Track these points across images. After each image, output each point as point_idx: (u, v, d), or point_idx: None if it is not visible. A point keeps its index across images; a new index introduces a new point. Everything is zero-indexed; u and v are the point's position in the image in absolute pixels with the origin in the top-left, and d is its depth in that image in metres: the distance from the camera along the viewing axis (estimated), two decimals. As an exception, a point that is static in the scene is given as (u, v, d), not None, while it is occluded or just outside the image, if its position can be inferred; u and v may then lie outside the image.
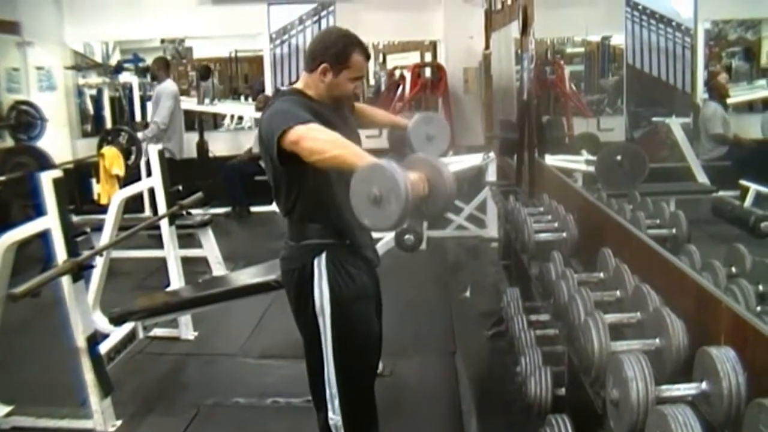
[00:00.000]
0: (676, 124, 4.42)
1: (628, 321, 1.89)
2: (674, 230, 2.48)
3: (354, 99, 2.57)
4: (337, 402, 2.43)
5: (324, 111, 2.33)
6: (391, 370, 3.73)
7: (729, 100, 4.30)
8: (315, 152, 2.05)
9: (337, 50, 2.35)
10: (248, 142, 8.38)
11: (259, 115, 8.09)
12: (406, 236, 4.45)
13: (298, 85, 2.45)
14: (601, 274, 2.34)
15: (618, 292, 2.11)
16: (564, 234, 2.84)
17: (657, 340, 1.69)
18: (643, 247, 2.26)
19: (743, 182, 3.45)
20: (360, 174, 1.90)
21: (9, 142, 7.29)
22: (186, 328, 4.44)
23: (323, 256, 2.35)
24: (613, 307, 2.06)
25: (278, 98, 2.40)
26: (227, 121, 9.63)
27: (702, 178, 4.00)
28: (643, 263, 2.18)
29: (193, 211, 5.83)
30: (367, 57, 2.42)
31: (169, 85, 7.24)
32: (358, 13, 8.14)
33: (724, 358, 1.42)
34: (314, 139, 2.06)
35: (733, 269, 2.04)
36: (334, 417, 2.45)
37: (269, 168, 2.34)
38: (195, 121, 8.76)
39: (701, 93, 4.50)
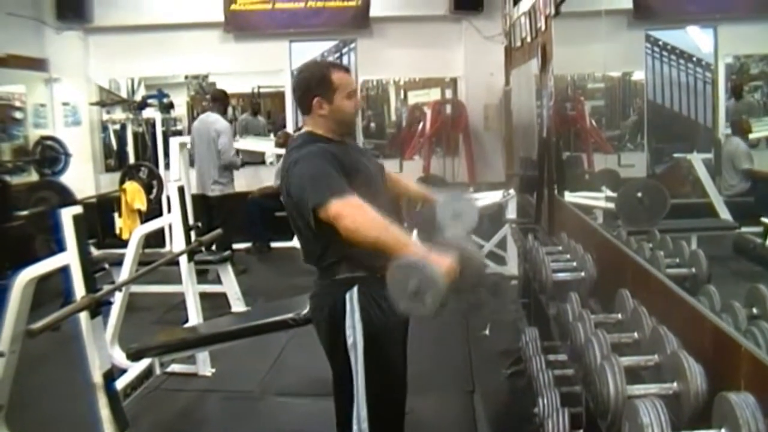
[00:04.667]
0: (697, 160, 4.38)
1: (645, 364, 1.86)
2: (694, 269, 2.45)
3: (357, 112, 2.57)
4: None
5: (343, 152, 2.34)
6: (410, 408, 3.68)
7: (750, 135, 4.26)
8: (354, 232, 2.11)
9: (317, 79, 2.39)
10: (268, 177, 8.42)
11: (279, 151, 8.17)
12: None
13: (308, 128, 2.45)
14: (619, 315, 2.31)
15: (636, 334, 2.08)
16: (582, 273, 2.82)
17: (674, 384, 1.66)
18: (662, 288, 2.23)
19: (765, 220, 3.41)
20: (399, 267, 2.00)
21: (34, 176, 7.39)
22: (204, 364, 4.42)
23: (355, 289, 2.35)
24: (630, 349, 2.03)
25: (297, 148, 2.38)
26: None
27: (725, 214, 3.95)
28: (662, 304, 2.15)
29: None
30: (347, 70, 2.46)
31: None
32: (380, 49, 8.22)
33: (744, 404, 1.39)
34: (354, 220, 2.11)
35: (754, 310, 2.00)
36: None
37: (297, 222, 2.36)
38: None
39: (723, 128, 4.46)
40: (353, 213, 2.11)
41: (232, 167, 7.08)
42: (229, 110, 11.09)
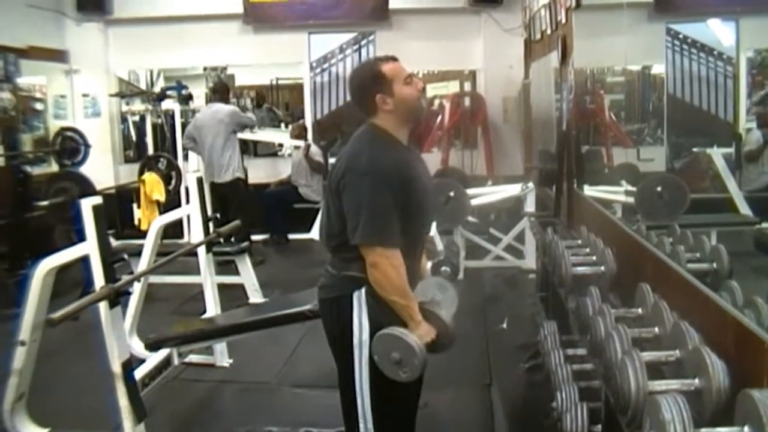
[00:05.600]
0: (717, 155, 4.34)
1: (667, 359, 1.84)
2: (715, 265, 2.42)
3: (421, 96, 2.52)
4: None
5: (405, 160, 2.38)
6: (426, 402, 3.66)
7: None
8: (377, 285, 2.28)
9: (370, 77, 2.38)
10: (285, 169, 8.44)
11: (297, 143, 8.19)
12: (443, 268, 4.42)
13: (374, 120, 2.42)
14: (640, 310, 2.29)
15: (656, 329, 2.06)
16: (602, 268, 2.80)
17: (696, 381, 1.65)
18: (683, 283, 2.21)
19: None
20: (387, 336, 2.23)
21: (54, 167, 7.45)
22: (221, 355, 4.44)
23: (363, 289, 2.33)
24: (651, 344, 2.02)
25: (364, 142, 2.38)
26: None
27: (745, 209, 3.91)
28: (683, 299, 2.13)
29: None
30: (395, 59, 2.44)
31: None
32: (398, 42, 8.19)
33: (768, 402, 1.37)
34: (384, 277, 2.26)
35: (777, 307, 1.97)
36: None
37: (329, 203, 2.39)
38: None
39: (744, 122, 4.41)
40: (387, 271, 2.25)
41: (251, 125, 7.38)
42: (247, 102, 11.17)
